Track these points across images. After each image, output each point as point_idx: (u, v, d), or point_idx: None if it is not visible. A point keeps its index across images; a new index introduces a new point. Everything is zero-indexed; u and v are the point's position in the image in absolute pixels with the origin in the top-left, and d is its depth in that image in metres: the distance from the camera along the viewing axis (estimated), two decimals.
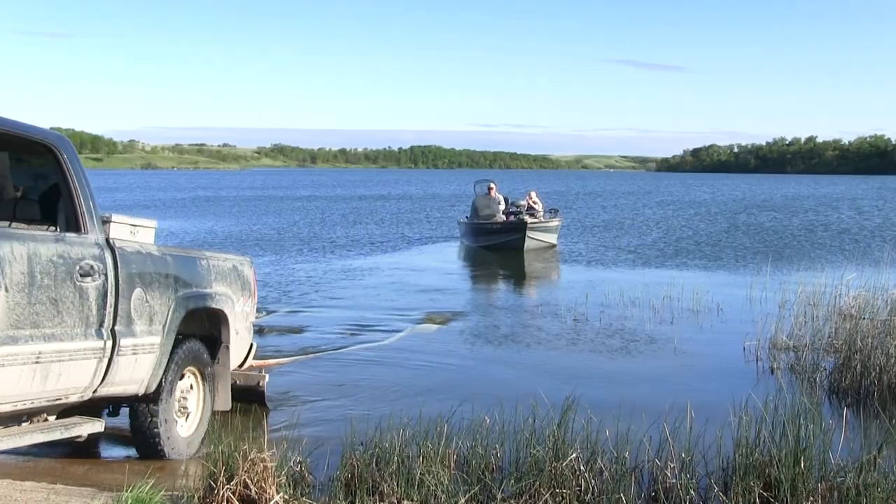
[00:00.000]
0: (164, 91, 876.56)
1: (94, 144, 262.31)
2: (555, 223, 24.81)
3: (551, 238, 24.37)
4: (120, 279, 5.49)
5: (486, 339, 11.50)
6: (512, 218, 23.96)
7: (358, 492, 5.13)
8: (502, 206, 24.71)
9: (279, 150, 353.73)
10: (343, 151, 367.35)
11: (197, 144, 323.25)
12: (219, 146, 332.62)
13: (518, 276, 20.01)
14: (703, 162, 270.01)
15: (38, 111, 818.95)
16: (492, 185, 25.51)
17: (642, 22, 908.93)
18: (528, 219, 23.15)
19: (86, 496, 5.13)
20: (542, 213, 24.62)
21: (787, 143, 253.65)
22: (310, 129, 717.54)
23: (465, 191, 76.84)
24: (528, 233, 22.61)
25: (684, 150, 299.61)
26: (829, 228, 32.56)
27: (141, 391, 5.84)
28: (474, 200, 25.56)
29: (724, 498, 5.13)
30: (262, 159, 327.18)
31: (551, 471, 5.17)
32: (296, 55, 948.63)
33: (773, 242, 26.52)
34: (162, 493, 4.94)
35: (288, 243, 26.07)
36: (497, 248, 23.03)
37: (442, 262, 22.34)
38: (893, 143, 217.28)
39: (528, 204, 24.71)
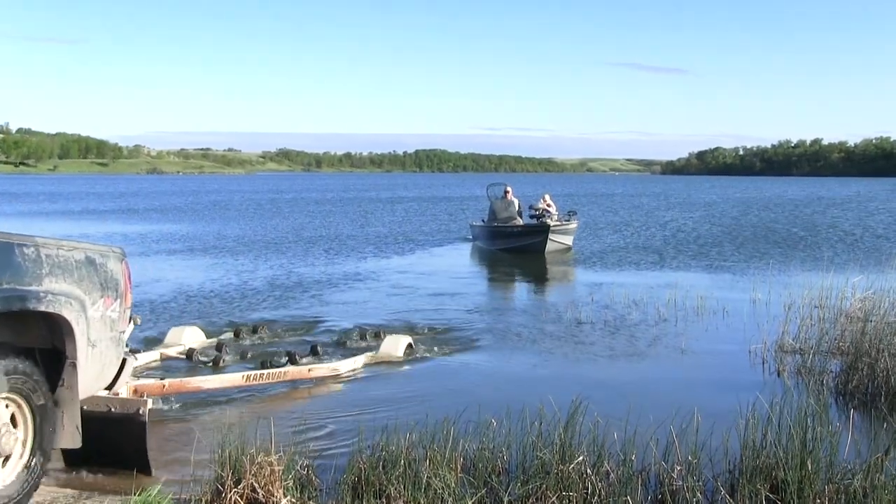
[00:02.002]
0: (169, 96, 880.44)
1: (99, 149, 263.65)
2: (573, 225, 24.95)
3: (568, 240, 24.50)
4: None
5: (496, 341, 11.45)
6: (533, 221, 23.99)
7: (365, 495, 5.14)
8: (517, 209, 24.73)
9: (284, 155, 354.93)
10: (348, 155, 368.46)
11: (202, 149, 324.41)
12: (224, 151, 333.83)
13: (536, 278, 19.96)
14: (709, 165, 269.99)
15: (44, 116, 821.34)
16: (508, 188, 25.60)
17: (647, 25, 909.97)
18: (549, 221, 23.21)
19: (94, 500, 5.14)
20: (556, 216, 24.67)
21: (793, 145, 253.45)
22: (314, 133, 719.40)
23: (472, 193, 77.08)
24: (551, 235, 22.67)
25: (689, 153, 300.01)
26: (835, 230, 32.49)
27: None
28: (492, 203, 25.62)
29: (731, 500, 5.11)
30: (267, 164, 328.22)
31: (558, 473, 5.17)
32: (301, 60, 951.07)
33: (779, 244, 26.46)
34: (170, 496, 4.95)
35: (301, 245, 26.07)
36: (517, 251, 23.09)
37: (457, 265, 22.27)
38: None
39: (543, 207, 24.83)
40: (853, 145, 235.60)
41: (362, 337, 11.12)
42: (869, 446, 5.61)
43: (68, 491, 5.37)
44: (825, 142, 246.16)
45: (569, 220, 24.81)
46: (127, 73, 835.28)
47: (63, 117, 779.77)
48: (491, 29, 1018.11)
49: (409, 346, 10.38)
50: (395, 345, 10.21)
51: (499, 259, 22.96)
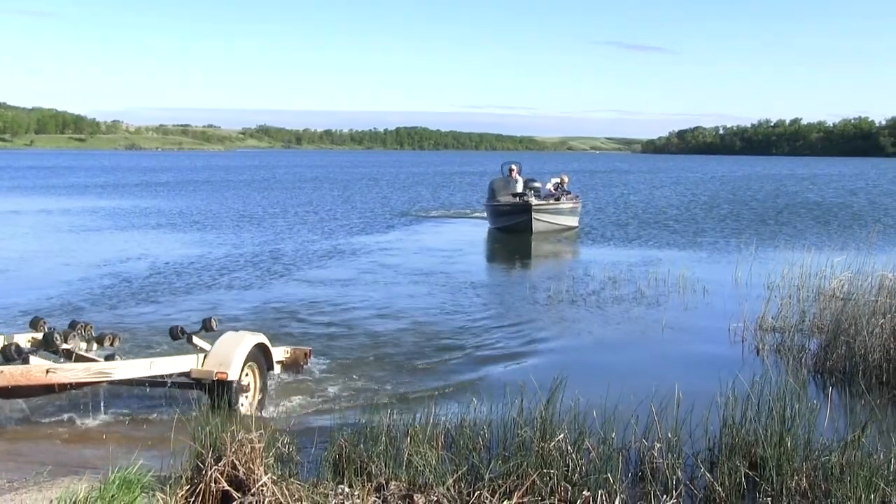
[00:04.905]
0: (148, 72, 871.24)
1: (77, 125, 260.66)
2: (568, 205, 24.64)
3: (567, 220, 24.29)
4: None
5: (475, 319, 11.45)
6: (519, 200, 23.89)
7: (345, 472, 5.13)
8: (520, 188, 24.62)
9: (264, 132, 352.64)
10: (328, 133, 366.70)
11: (181, 125, 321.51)
12: (203, 127, 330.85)
13: (520, 257, 19.83)
14: (689, 144, 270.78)
15: (19, 91, 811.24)
16: (513, 166, 25.54)
17: (629, 3, 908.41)
18: (532, 200, 22.97)
19: (70, 477, 5.10)
20: (558, 196, 24.51)
21: (773, 125, 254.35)
22: (294, 110, 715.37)
23: (460, 170, 76.82)
24: (535, 215, 22.48)
25: (670, 132, 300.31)
26: (816, 209, 32.67)
27: None
28: (491, 182, 25.60)
29: (710, 477, 5.15)
30: (247, 140, 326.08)
31: (539, 451, 5.17)
32: (280, 37, 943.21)
33: (763, 222, 26.60)
34: (149, 474, 4.91)
35: (290, 223, 25.96)
36: (509, 230, 23.15)
37: (450, 243, 22.06)
38: (877, 125, 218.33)
39: (551, 187, 24.86)
40: (832, 125, 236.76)
41: (207, 329, 7.37)
42: (846, 423, 5.67)
43: (46, 467, 5.32)
44: (804, 122, 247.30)
45: (564, 201, 24.49)
46: (105, 48, 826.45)
47: (40, 92, 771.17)
48: (472, 7, 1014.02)
49: (262, 346, 7.23)
50: (231, 344, 6.89)
51: (494, 238, 23.02)
